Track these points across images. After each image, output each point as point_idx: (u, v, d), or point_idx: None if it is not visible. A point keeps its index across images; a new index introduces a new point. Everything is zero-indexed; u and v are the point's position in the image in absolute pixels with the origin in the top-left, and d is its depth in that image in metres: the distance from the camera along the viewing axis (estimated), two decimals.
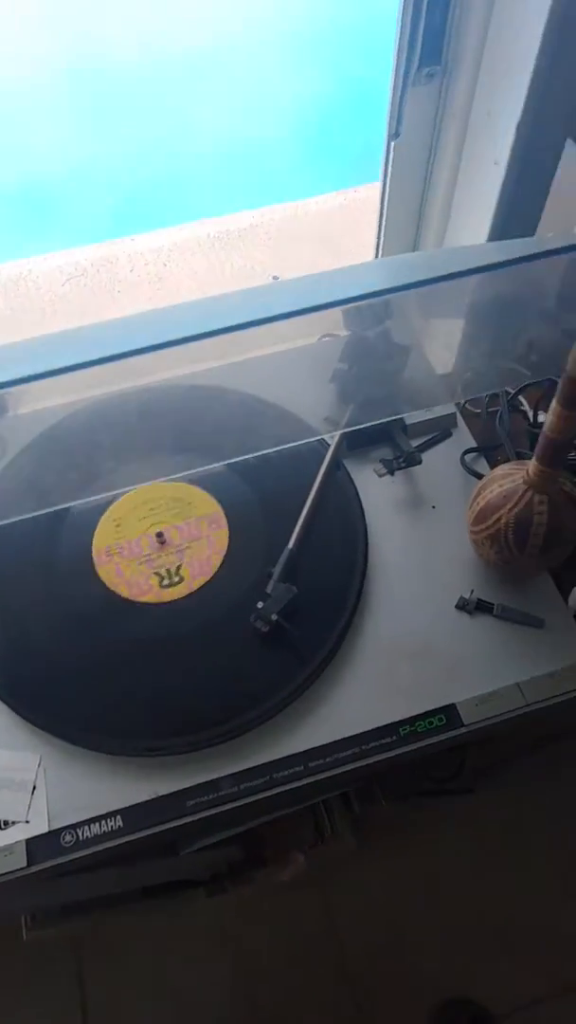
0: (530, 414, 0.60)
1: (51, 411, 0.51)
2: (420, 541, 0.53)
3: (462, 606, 0.50)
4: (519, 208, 0.60)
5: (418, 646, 0.49)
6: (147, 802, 0.44)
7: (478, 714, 0.46)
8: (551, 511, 0.45)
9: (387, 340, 0.56)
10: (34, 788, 0.45)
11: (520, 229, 0.61)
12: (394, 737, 0.46)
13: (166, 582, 0.51)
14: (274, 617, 0.47)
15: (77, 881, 0.52)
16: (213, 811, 0.44)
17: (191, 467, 0.52)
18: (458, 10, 0.56)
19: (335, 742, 0.46)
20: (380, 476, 0.55)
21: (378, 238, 0.73)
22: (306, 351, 0.59)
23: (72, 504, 0.45)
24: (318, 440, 0.55)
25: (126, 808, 0.44)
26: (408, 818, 0.83)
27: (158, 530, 0.53)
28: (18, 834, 0.43)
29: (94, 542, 0.53)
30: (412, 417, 0.57)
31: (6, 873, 0.42)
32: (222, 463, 0.53)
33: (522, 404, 0.62)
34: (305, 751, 0.46)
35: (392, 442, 0.56)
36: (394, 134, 0.64)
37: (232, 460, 0.50)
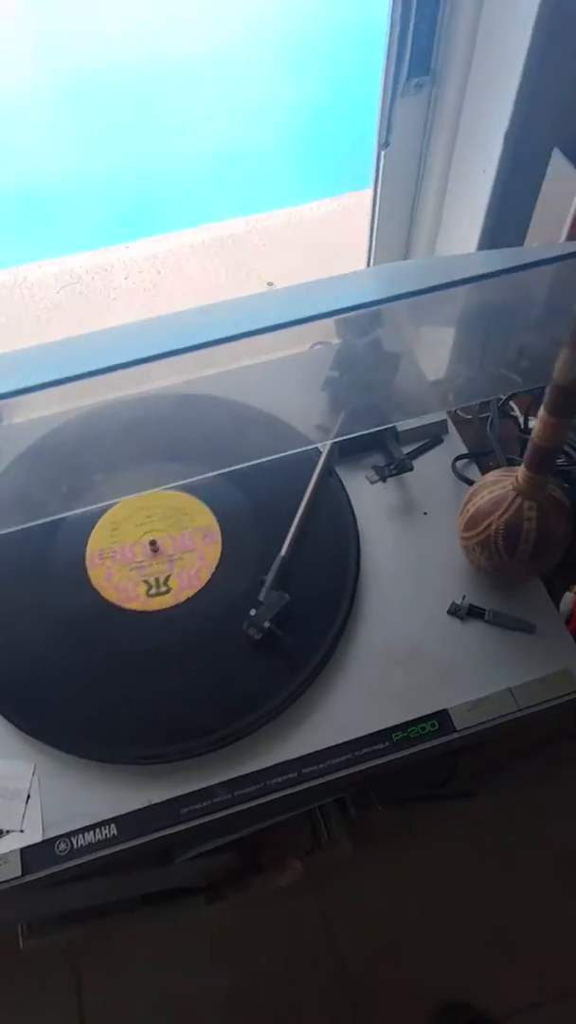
0: (521, 420, 0.61)
1: (44, 420, 0.51)
2: (412, 547, 0.54)
3: (454, 612, 0.50)
4: (508, 216, 0.60)
5: (410, 652, 0.49)
6: (141, 810, 0.44)
7: (470, 719, 0.47)
8: (540, 517, 0.45)
9: (378, 348, 0.56)
10: (28, 797, 0.45)
11: (509, 237, 0.61)
12: (387, 743, 0.46)
13: (153, 591, 0.51)
14: (267, 624, 0.47)
15: (73, 889, 0.52)
16: (207, 818, 0.45)
17: (184, 476, 0.52)
18: (446, 22, 0.56)
19: (328, 748, 0.46)
20: (372, 483, 0.55)
21: (369, 246, 0.73)
22: (298, 359, 0.59)
23: (65, 515, 0.46)
24: (311, 448, 0.56)
25: (120, 816, 0.44)
26: (405, 823, 0.83)
27: (152, 538, 0.53)
28: (12, 843, 0.43)
29: (89, 544, 0.54)
30: (404, 424, 0.58)
31: (1, 883, 0.42)
32: (216, 472, 0.53)
33: (513, 410, 0.62)
34: (299, 758, 0.46)
35: (384, 449, 0.57)
36: (384, 143, 0.64)
37: (226, 470, 0.51)
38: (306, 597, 0.50)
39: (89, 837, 0.44)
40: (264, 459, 0.50)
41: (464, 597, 0.51)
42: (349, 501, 0.54)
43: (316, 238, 1.12)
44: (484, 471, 0.57)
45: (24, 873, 0.43)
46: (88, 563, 0.53)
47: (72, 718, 0.47)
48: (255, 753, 0.46)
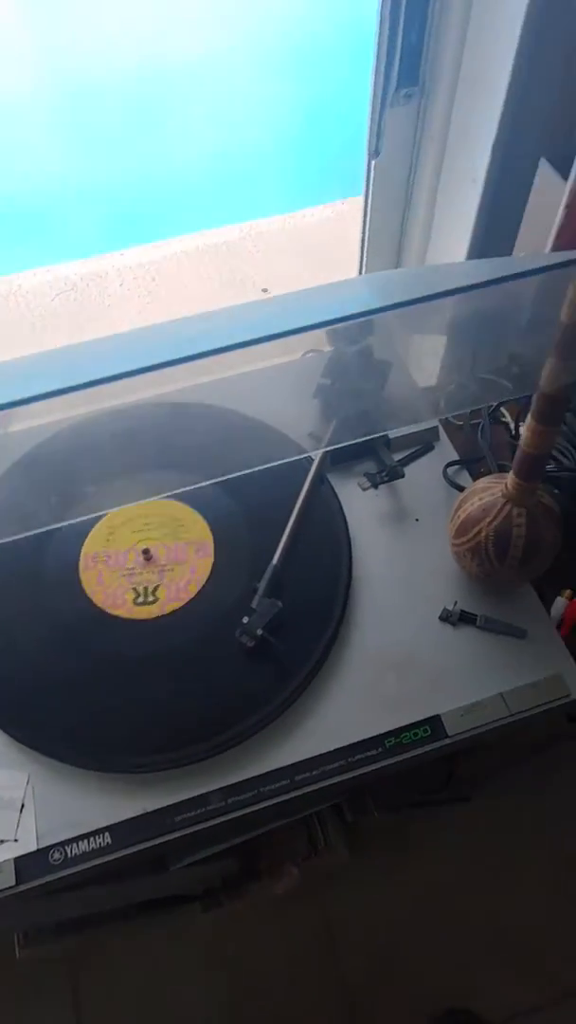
0: (512, 426, 0.61)
1: (36, 430, 0.52)
2: (404, 554, 0.54)
3: (446, 617, 0.51)
4: (497, 225, 0.61)
5: (403, 658, 0.50)
6: (135, 818, 0.44)
7: (462, 725, 0.47)
8: (530, 524, 0.46)
9: (370, 356, 0.57)
10: (22, 806, 0.45)
11: (498, 245, 0.62)
12: (380, 749, 0.46)
13: (140, 599, 0.51)
14: (259, 632, 0.48)
15: (69, 898, 0.53)
16: (201, 826, 0.45)
17: (177, 485, 0.53)
18: (434, 33, 0.57)
19: (321, 755, 0.46)
20: (364, 490, 0.56)
21: (361, 254, 0.74)
22: (290, 367, 0.59)
23: (58, 525, 0.46)
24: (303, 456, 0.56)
25: (114, 825, 0.44)
26: (403, 828, 0.83)
27: (146, 546, 0.53)
28: (6, 853, 0.43)
29: (84, 546, 0.54)
30: (395, 431, 0.58)
31: None
32: (209, 482, 0.53)
33: (504, 416, 0.63)
34: (292, 764, 0.46)
35: (375, 456, 0.57)
36: (374, 153, 0.65)
37: (220, 479, 0.51)
38: (299, 604, 0.50)
39: (83, 846, 0.44)
40: (257, 468, 0.51)
41: (456, 603, 0.51)
42: (341, 508, 0.55)
43: (310, 244, 1.13)
44: (475, 477, 0.57)
45: (18, 882, 0.43)
46: (81, 565, 0.53)
47: (66, 727, 0.47)
48: (249, 760, 0.46)
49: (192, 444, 0.56)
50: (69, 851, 0.44)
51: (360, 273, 0.76)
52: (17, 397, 0.37)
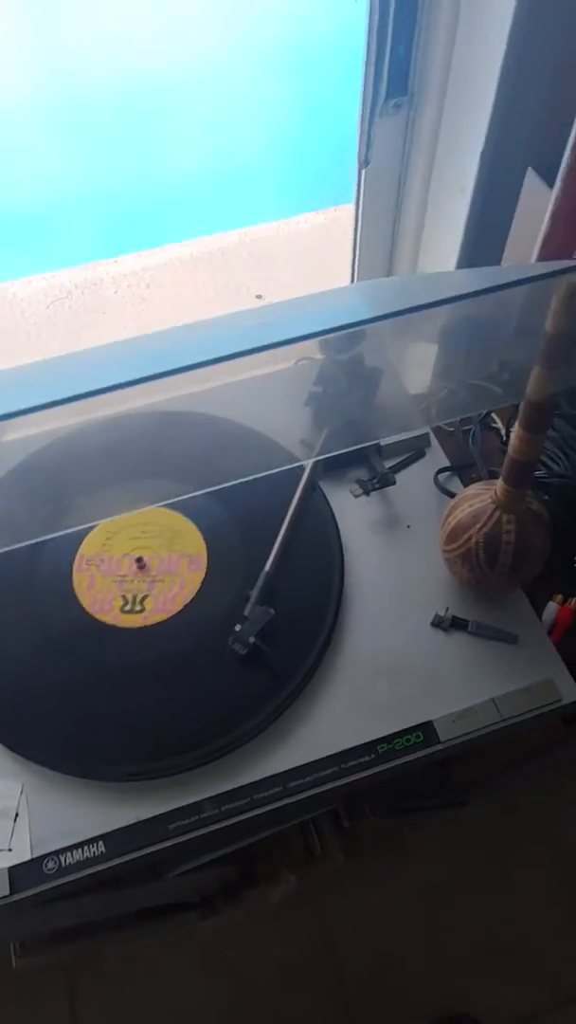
0: (502, 432, 0.62)
1: (28, 440, 0.52)
2: (396, 560, 0.54)
3: (437, 623, 0.51)
4: (486, 233, 0.62)
5: (395, 664, 0.50)
6: (129, 827, 0.45)
7: (454, 730, 0.47)
8: (519, 530, 0.46)
9: (361, 363, 0.57)
10: (16, 816, 0.45)
11: (487, 253, 0.63)
12: (372, 755, 0.47)
13: (127, 607, 0.52)
14: (252, 639, 0.48)
15: (64, 907, 0.53)
16: (195, 834, 0.45)
17: (171, 495, 0.53)
18: (421, 44, 0.58)
19: (314, 762, 0.46)
20: (356, 497, 0.56)
21: (353, 262, 0.74)
22: (283, 374, 0.60)
23: (49, 536, 0.46)
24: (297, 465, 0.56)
25: (108, 833, 0.44)
26: (399, 833, 0.83)
27: (140, 555, 0.54)
28: (0, 862, 0.43)
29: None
30: (386, 438, 0.58)
31: None
32: (203, 491, 0.53)
33: (495, 422, 0.63)
34: (285, 771, 0.46)
35: (367, 463, 0.57)
36: (364, 162, 0.66)
37: (213, 488, 0.51)
38: (291, 611, 0.50)
39: (77, 855, 0.44)
40: (252, 477, 0.51)
41: (447, 609, 0.51)
42: (333, 515, 0.55)
43: (304, 250, 1.14)
44: (467, 483, 0.58)
45: (12, 892, 0.43)
46: (75, 567, 0.53)
47: (59, 736, 0.48)
48: (242, 768, 0.46)
49: (185, 453, 0.56)
50: (63, 860, 0.44)
51: (352, 281, 0.77)
52: (10, 409, 0.38)
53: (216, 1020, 0.77)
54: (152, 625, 0.51)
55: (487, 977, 0.80)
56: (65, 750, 0.47)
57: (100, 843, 0.44)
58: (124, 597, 0.52)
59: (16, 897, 0.43)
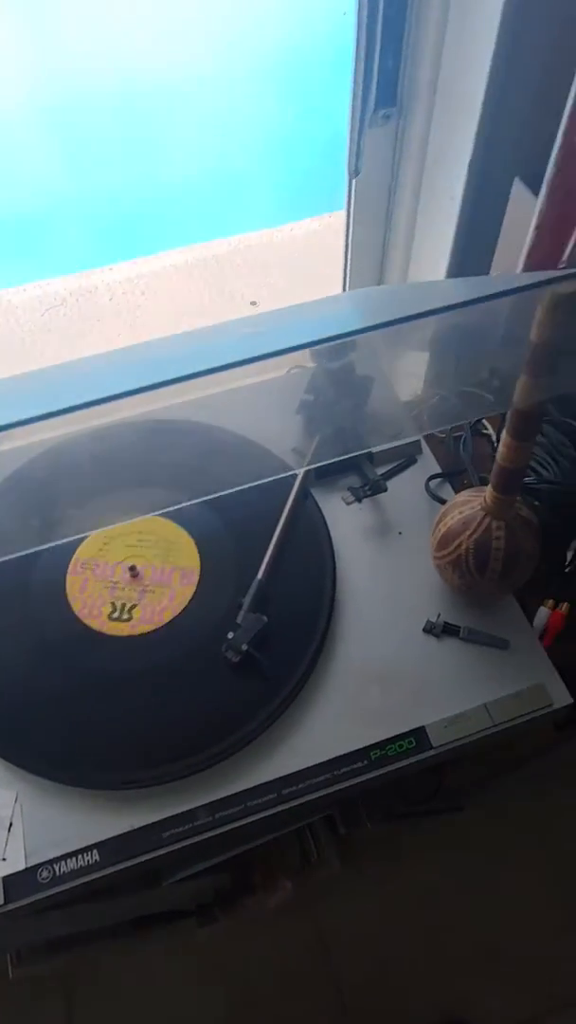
0: (493, 438, 0.62)
1: (17, 451, 0.52)
2: (387, 567, 0.55)
3: (429, 629, 0.51)
4: (475, 242, 0.62)
5: (387, 670, 0.50)
6: (123, 835, 0.45)
7: (447, 736, 0.47)
8: (508, 536, 0.46)
9: (352, 372, 0.58)
10: (10, 825, 0.45)
11: (476, 262, 0.63)
12: (365, 761, 0.47)
13: (115, 615, 0.52)
14: (245, 647, 0.48)
15: (61, 916, 0.53)
16: (189, 841, 0.45)
17: (164, 504, 0.53)
18: (409, 56, 0.59)
19: (308, 768, 0.47)
20: (348, 504, 0.56)
21: (344, 270, 0.75)
22: (275, 383, 0.60)
23: (43, 547, 0.46)
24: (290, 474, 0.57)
25: (102, 842, 0.45)
26: (396, 839, 0.83)
27: (134, 563, 0.54)
28: None
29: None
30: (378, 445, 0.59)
31: None
32: (196, 500, 0.54)
33: (486, 428, 0.64)
34: (279, 778, 0.46)
35: (359, 470, 0.58)
36: (354, 172, 0.66)
37: (205, 498, 0.52)
38: (284, 619, 0.51)
39: (72, 864, 0.44)
40: (245, 486, 0.51)
41: (439, 615, 0.52)
42: (325, 523, 0.55)
43: (298, 257, 1.14)
44: (458, 489, 0.58)
45: (7, 901, 0.43)
46: (69, 569, 0.54)
47: (53, 744, 0.48)
48: (236, 775, 0.47)
49: (178, 462, 0.56)
50: (57, 869, 0.44)
51: (344, 289, 0.77)
52: (4, 422, 0.38)
53: None
54: (138, 635, 0.51)
55: (485, 982, 0.80)
56: (59, 759, 0.47)
57: (94, 852, 0.44)
58: (114, 604, 0.52)
59: (10, 907, 0.43)
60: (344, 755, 0.47)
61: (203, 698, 0.49)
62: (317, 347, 0.56)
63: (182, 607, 0.52)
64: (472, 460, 0.60)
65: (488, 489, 0.46)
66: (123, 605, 0.52)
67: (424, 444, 0.61)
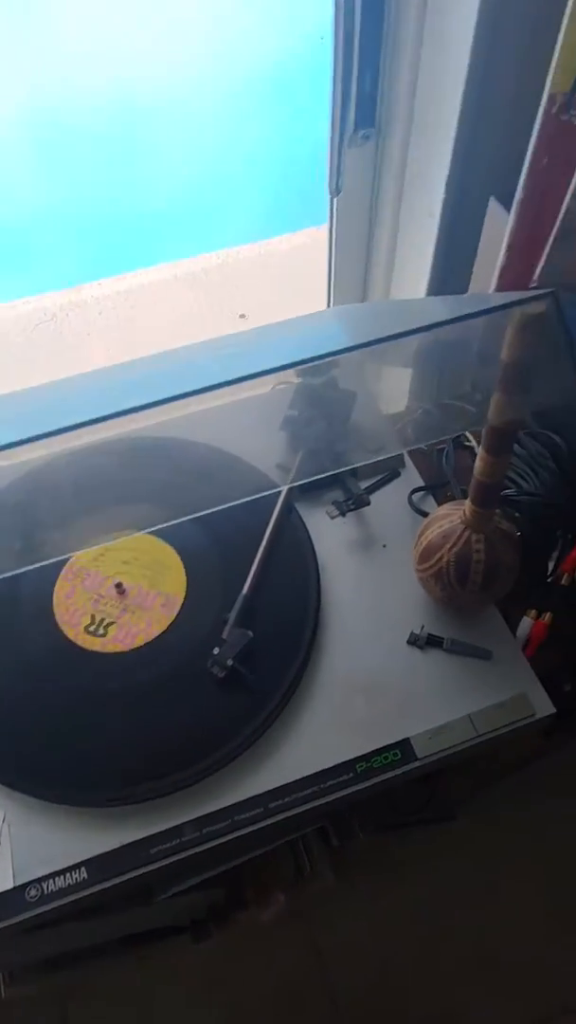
0: (476, 450, 0.63)
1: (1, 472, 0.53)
2: (372, 580, 0.55)
3: (413, 641, 0.52)
4: (454, 260, 0.63)
5: (372, 682, 0.51)
6: (110, 852, 0.45)
7: (431, 747, 0.48)
8: (488, 549, 0.47)
9: (336, 387, 0.59)
10: None
11: (455, 279, 0.64)
12: (351, 774, 0.47)
13: (91, 628, 0.52)
14: (230, 662, 0.49)
15: (50, 935, 0.53)
16: (177, 857, 0.45)
17: (150, 523, 0.53)
18: (387, 78, 0.60)
19: (294, 782, 0.47)
20: (332, 518, 0.57)
21: (328, 287, 0.76)
22: (258, 399, 0.61)
23: (24, 569, 0.47)
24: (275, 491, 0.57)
25: (90, 859, 0.45)
26: (390, 850, 0.83)
27: (122, 581, 0.54)
28: None
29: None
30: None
31: None
32: (183, 519, 0.54)
33: (468, 440, 0.65)
34: (265, 792, 0.47)
35: (342, 484, 0.59)
36: (336, 190, 0.68)
37: (189, 516, 0.52)
38: (269, 633, 0.51)
39: (59, 882, 0.44)
40: (233, 503, 0.52)
41: (423, 627, 0.52)
42: (309, 537, 0.56)
43: (286, 270, 1.16)
44: (441, 502, 0.59)
45: None
46: (62, 574, 0.54)
47: (39, 762, 0.48)
48: (223, 790, 0.47)
49: (163, 479, 0.57)
50: (46, 887, 0.44)
51: (328, 305, 0.78)
52: None
53: None
54: (108, 653, 0.51)
55: (481, 991, 0.80)
56: (45, 777, 0.47)
57: (82, 869, 0.44)
58: (93, 617, 0.52)
59: None
60: (330, 768, 0.47)
61: (189, 714, 0.49)
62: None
63: (156, 634, 0.52)
64: (455, 473, 0.60)
65: (467, 503, 0.47)
66: (101, 620, 0.52)
67: (407, 457, 0.62)
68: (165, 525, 0.53)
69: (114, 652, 0.51)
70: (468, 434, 0.65)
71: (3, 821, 0.46)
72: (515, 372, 0.38)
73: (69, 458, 0.50)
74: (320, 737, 0.49)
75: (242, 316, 1.12)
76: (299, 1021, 0.78)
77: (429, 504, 0.59)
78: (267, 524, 0.56)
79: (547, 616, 0.55)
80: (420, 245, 0.65)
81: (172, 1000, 0.78)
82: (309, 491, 0.59)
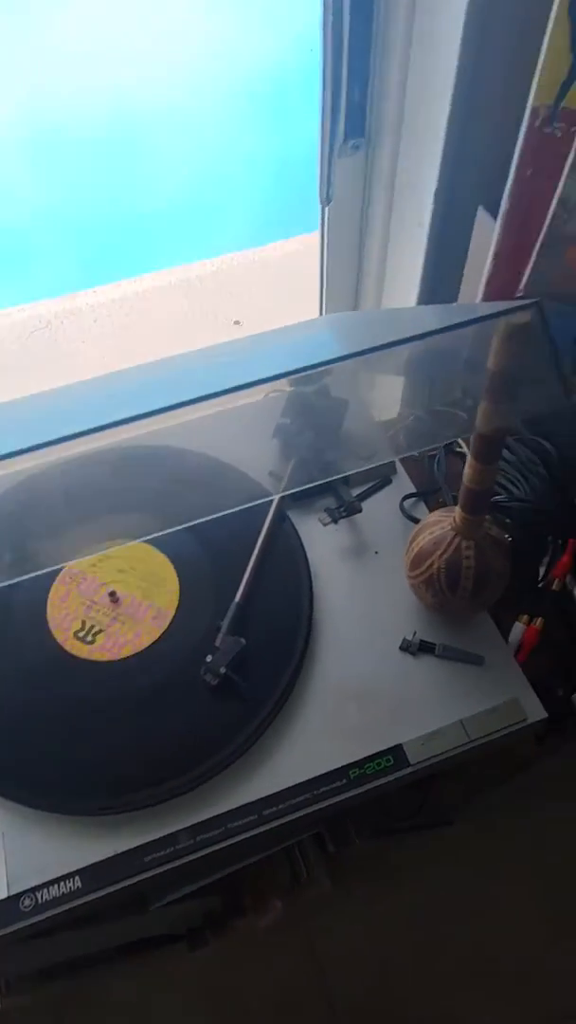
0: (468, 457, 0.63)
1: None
2: (364, 587, 0.55)
3: (405, 648, 0.52)
4: (443, 269, 0.64)
5: (365, 689, 0.51)
6: (104, 861, 0.45)
7: (424, 753, 0.48)
8: (478, 555, 0.47)
9: (328, 395, 0.59)
10: None
11: (445, 288, 0.65)
12: (344, 780, 0.47)
13: (80, 634, 0.52)
14: (223, 670, 0.49)
15: (46, 944, 0.52)
16: (171, 865, 0.45)
17: (144, 532, 0.54)
18: (376, 88, 0.61)
19: (288, 789, 0.47)
20: (324, 525, 0.57)
21: (321, 296, 0.76)
22: (250, 407, 0.61)
23: (19, 579, 0.47)
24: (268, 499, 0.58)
25: (83, 868, 0.45)
26: (387, 855, 0.83)
27: (116, 590, 0.54)
28: None
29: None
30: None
31: None
32: (175, 528, 0.54)
33: (459, 446, 0.65)
34: (259, 799, 0.47)
35: (334, 492, 0.59)
36: (326, 200, 0.68)
37: (183, 526, 0.52)
38: (262, 640, 0.51)
39: (54, 891, 0.44)
40: (227, 512, 0.52)
41: (415, 633, 0.53)
42: (302, 544, 0.56)
43: (280, 276, 1.16)
44: (432, 508, 0.59)
45: None
46: (59, 577, 0.54)
47: (32, 771, 0.48)
48: (216, 797, 0.47)
49: (156, 488, 0.57)
50: (40, 897, 0.44)
51: (320, 314, 0.79)
52: None
53: None
54: (93, 661, 0.51)
55: (479, 997, 0.80)
56: (38, 785, 0.47)
57: (76, 878, 0.45)
58: (83, 623, 0.53)
59: None
60: (323, 775, 0.47)
61: (182, 721, 0.50)
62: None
63: (144, 646, 0.52)
64: (446, 479, 0.61)
65: (457, 509, 0.48)
66: (91, 627, 0.52)
67: (399, 464, 0.62)
68: (158, 535, 0.53)
69: (97, 660, 0.51)
70: (460, 440, 0.65)
71: None
72: (502, 380, 0.38)
73: (62, 467, 0.50)
74: (313, 744, 0.49)
75: (236, 323, 1.12)
76: None
77: (421, 511, 0.60)
78: (260, 532, 0.56)
79: (538, 621, 0.56)
80: (410, 254, 0.66)
81: (169, 1009, 0.78)
82: (301, 499, 0.59)
